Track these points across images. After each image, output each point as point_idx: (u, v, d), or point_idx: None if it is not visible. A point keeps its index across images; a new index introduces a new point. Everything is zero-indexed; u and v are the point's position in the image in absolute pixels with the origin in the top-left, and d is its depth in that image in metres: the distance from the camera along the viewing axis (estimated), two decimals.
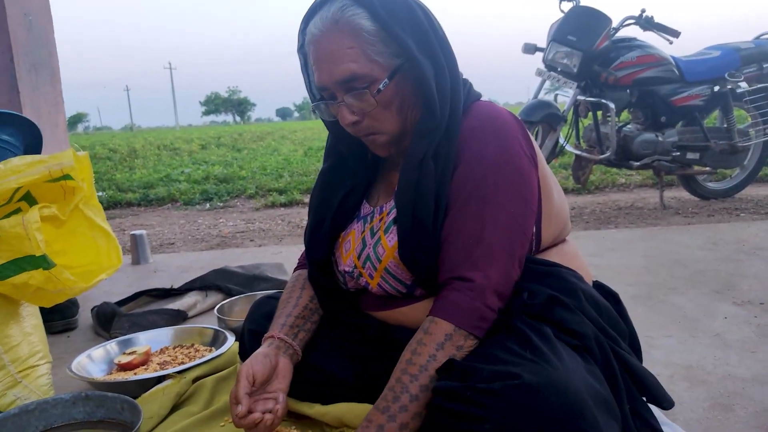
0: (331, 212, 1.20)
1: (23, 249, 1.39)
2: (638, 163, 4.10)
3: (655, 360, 1.63)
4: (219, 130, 25.71)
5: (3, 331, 1.46)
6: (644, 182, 5.60)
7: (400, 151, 1.14)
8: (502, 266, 0.99)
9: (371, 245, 1.13)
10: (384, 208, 1.16)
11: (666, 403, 1.04)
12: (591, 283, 1.16)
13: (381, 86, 1.03)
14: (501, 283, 0.99)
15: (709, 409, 1.38)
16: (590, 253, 2.85)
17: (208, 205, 6.09)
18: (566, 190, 5.25)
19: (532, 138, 1.12)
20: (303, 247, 1.34)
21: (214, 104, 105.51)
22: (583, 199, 5.02)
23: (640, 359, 1.14)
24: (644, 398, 1.03)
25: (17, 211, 1.48)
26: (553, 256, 1.14)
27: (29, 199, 1.51)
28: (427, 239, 1.03)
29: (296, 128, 23.32)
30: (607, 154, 4.04)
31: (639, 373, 1.02)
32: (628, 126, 4.21)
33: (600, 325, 1.01)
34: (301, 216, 5.11)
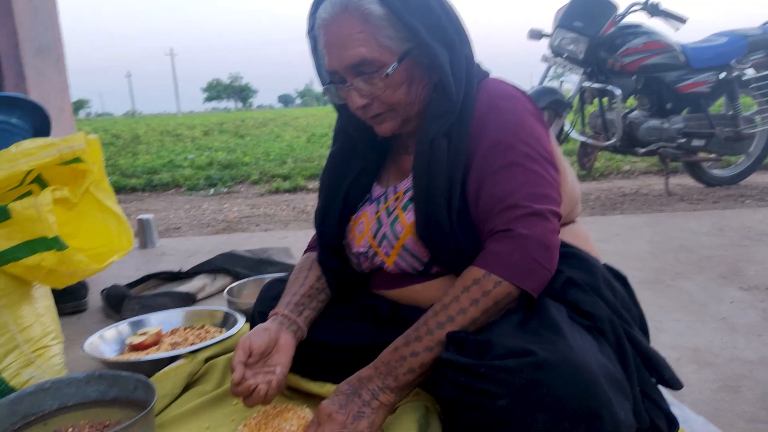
0: (341, 194, 1.21)
1: (35, 231, 1.40)
2: (644, 150, 4.10)
3: (663, 343, 1.64)
4: (221, 117, 25.70)
5: (16, 312, 1.47)
6: (649, 169, 5.60)
7: (408, 133, 1.15)
8: (541, 221, 0.99)
9: (388, 224, 1.14)
10: (398, 188, 1.17)
11: (675, 385, 1.05)
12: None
13: (390, 70, 1.04)
14: (542, 235, 0.98)
15: (716, 390, 1.39)
16: (597, 239, 2.83)
17: (212, 190, 6.09)
18: None
19: (544, 115, 1.14)
20: (309, 233, 1.35)
21: (216, 90, 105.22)
22: (589, 186, 5.01)
23: (648, 342, 1.15)
24: (654, 379, 1.04)
25: (28, 193, 1.49)
26: (566, 236, 1.14)
27: (40, 182, 1.52)
28: (442, 217, 1.03)
29: (298, 114, 23.27)
30: (613, 140, 4.03)
31: (649, 355, 1.03)
32: (634, 112, 4.20)
33: (614, 307, 1.02)
34: (305, 201, 5.11)
